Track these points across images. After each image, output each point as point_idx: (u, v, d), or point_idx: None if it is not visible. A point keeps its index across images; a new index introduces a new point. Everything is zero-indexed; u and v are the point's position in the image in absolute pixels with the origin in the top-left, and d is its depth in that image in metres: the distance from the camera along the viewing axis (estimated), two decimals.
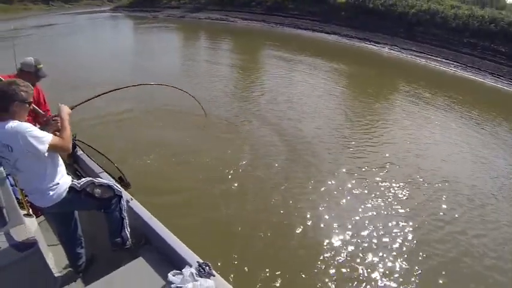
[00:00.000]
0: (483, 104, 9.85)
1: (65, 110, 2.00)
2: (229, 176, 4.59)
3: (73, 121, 2.10)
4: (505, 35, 15.24)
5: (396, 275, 3.26)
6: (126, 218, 2.18)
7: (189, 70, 11.07)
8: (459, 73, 13.82)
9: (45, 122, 2.06)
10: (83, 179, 2.08)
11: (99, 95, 2.62)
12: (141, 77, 9.52)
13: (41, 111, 2.38)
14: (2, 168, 2.13)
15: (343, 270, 3.26)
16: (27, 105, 1.81)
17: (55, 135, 1.86)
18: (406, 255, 3.51)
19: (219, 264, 3.09)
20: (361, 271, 3.27)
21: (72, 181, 2.01)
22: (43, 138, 1.72)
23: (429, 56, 15.35)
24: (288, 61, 12.61)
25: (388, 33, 17.46)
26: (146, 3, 35.29)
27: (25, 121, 1.79)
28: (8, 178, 2.29)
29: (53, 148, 1.76)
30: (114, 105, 6.55)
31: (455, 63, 14.59)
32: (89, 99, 2.54)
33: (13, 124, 1.70)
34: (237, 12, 24.48)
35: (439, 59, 15.05)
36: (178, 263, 1.91)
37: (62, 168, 1.97)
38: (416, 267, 3.36)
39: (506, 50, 14.74)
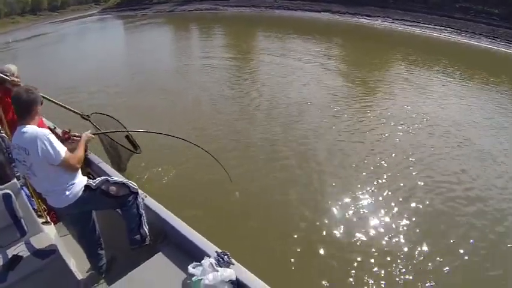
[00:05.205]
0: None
1: (87, 135, 2.13)
2: None
3: None
4: None
5: None
6: (144, 214, 2.17)
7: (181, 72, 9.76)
8: (453, 38, 13.79)
9: (67, 138, 2.12)
10: (98, 178, 2.09)
11: (124, 131, 3.07)
12: (114, 78, 8.97)
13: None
14: (16, 180, 2.17)
15: None
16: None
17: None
18: None
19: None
20: None
21: (88, 180, 2.02)
22: (60, 151, 1.78)
23: (422, 24, 15.30)
24: (283, 46, 12.58)
25: (378, 4, 17.35)
26: (134, 1, 34.77)
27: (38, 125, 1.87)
28: (23, 189, 2.32)
29: (65, 162, 1.80)
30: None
31: (448, 28, 14.54)
32: (114, 131, 2.85)
33: (33, 129, 1.75)
34: (226, 1, 24.30)
35: (431, 26, 15.00)
36: (198, 255, 1.91)
37: None
38: None
39: (499, 11, 14.64)
